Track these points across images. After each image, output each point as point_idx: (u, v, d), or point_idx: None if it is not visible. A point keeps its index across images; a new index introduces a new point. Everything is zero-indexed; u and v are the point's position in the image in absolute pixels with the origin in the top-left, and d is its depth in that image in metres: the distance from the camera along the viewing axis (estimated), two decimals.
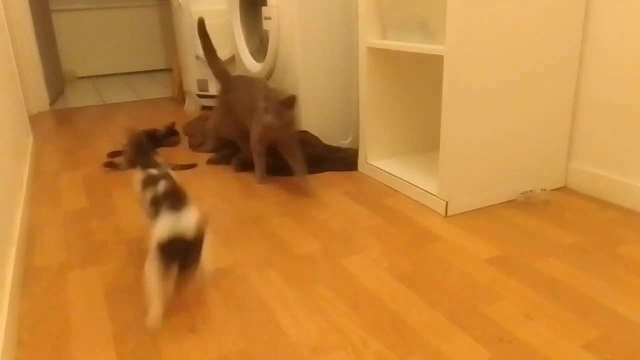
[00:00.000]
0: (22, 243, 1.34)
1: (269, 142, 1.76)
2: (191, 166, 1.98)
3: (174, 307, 1.08)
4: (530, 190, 1.57)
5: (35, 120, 2.85)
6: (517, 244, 1.31)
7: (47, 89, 3.13)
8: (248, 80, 1.94)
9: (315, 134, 2.00)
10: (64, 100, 3.44)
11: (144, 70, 4.59)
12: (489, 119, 1.45)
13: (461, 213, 1.49)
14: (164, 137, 2.28)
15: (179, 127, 2.41)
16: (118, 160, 2.02)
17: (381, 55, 1.72)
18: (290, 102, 1.61)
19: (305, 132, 2.00)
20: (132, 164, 1.99)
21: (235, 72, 2.76)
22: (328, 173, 1.88)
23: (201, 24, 2.04)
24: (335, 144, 2.05)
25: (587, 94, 1.57)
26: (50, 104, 3.18)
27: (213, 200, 1.66)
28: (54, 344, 0.98)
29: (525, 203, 1.56)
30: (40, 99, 3.09)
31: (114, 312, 1.07)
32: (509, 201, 1.57)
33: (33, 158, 2.11)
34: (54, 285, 1.19)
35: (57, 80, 3.60)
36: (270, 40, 2.09)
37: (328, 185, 1.76)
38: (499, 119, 1.47)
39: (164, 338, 0.98)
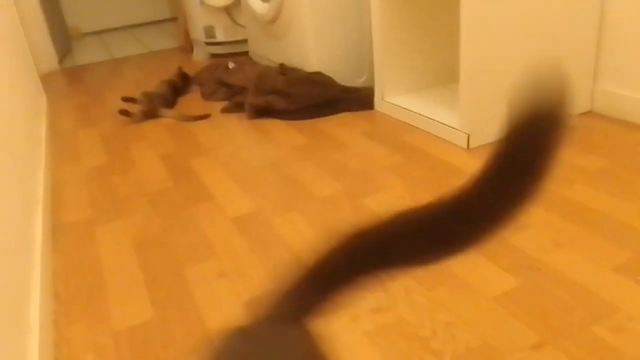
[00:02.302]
0: (47, 201, 1.36)
1: None
2: (205, 116, 1.97)
3: (202, 252, 1.09)
4: None
5: (46, 79, 2.83)
6: None
7: (55, 47, 3.09)
8: None
9: (329, 75, 1.95)
10: (72, 58, 3.40)
11: (149, 21, 4.48)
12: (509, 45, 1.39)
13: (484, 145, 1.46)
14: (183, 87, 2.26)
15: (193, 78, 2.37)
16: (133, 109, 2.01)
17: None
18: None
19: (319, 73, 1.95)
20: (147, 115, 2.00)
21: (241, 16, 2.67)
22: (344, 114, 1.85)
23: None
24: (349, 84, 2.00)
25: (612, 13, 1.48)
26: (59, 63, 3.16)
27: (229, 148, 1.65)
28: (89, 295, 1.01)
29: None
30: (49, 58, 3.06)
31: (143, 262, 1.09)
32: None
33: (48, 117, 2.11)
34: (83, 240, 1.21)
35: (63, 38, 3.55)
36: None
37: (345, 126, 1.73)
38: (521, 44, 1.40)
39: (195, 283, 1.00)
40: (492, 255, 0.98)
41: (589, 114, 1.60)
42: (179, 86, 2.25)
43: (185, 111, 2.00)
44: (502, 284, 0.90)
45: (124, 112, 1.99)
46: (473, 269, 0.95)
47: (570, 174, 1.25)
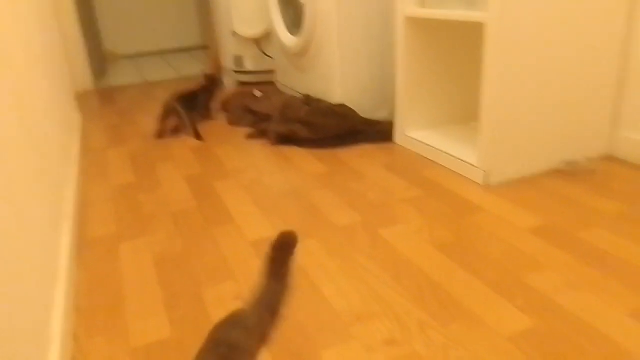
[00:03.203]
0: (75, 216, 1.41)
1: None
2: (198, 138, 2.08)
3: (221, 274, 1.12)
4: (574, 159, 1.53)
5: (81, 98, 2.95)
6: (560, 213, 1.28)
7: (91, 68, 3.23)
8: None
9: (352, 107, 1.99)
10: (107, 79, 3.54)
11: (181, 47, 4.65)
12: (530, 85, 1.41)
13: (501, 183, 1.47)
14: (204, 92, 2.32)
15: (217, 104, 2.45)
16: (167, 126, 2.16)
17: (419, 25, 1.69)
18: None
19: (343, 105, 2.00)
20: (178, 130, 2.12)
21: (270, 47, 2.76)
22: (365, 145, 1.88)
23: None
24: (371, 117, 2.04)
25: (634, 60, 1.50)
26: (94, 83, 3.28)
27: (252, 174, 1.70)
28: (109, 310, 1.04)
29: (568, 172, 1.52)
30: (85, 78, 3.19)
31: (163, 280, 1.12)
32: (551, 171, 1.53)
33: (82, 135, 2.19)
34: (106, 256, 1.25)
35: (99, 59, 3.70)
36: (306, 13, 2.08)
37: (365, 158, 1.76)
38: (541, 86, 1.43)
39: (212, 304, 1.03)
40: (508, 294, 0.99)
41: (610, 158, 1.60)
42: (203, 91, 2.31)
43: (203, 133, 2.08)
44: (517, 323, 0.91)
45: (161, 134, 2.14)
46: (489, 308, 0.95)
47: (588, 217, 1.26)
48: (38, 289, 0.87)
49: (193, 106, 2.19)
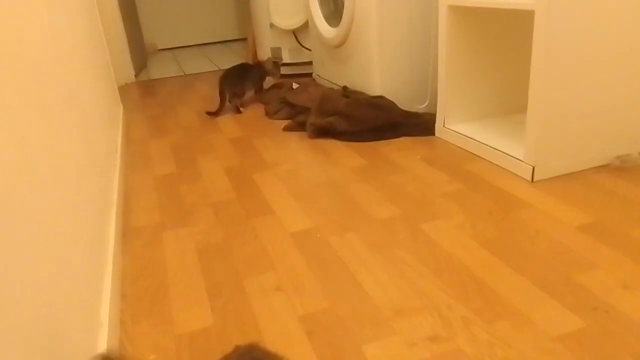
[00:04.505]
0: (120, 204, 1.45)
1: None
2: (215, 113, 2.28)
3: (261, 264, 1.13)
4: (627, 154, 1.46)
5: (122, 91, 3.02)
6: (611, 210, 1.23)
7: (132, 61, 3.30)
8: None
9: (392, 99, 1.97)
10: (147, 72, 3.61)
11: (220, 40, 4.70)
12: (581, 77, 1.35)
13: (549, 178, 1.42)
14: (259, 68, 2.47)
15: (252, 96, 2.47)
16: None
17: (462, 13, 1.64)
18: None
19: (382, 97, 1.98)
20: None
21: (308, 39, 2.75)
22: (404, 138, 1.85)
23: None
24: (411, 109, 2.01)
25: None
26: (135, 76, 3.36)
27: (290, 166, 1.70)
28: (153, 297, 1.07)
29: (620, 168, 1.45)
30: (127, 71, 3.26)
31: (205, 269, 1.14)
32: (602, 166, 1.47)
33: (124, 126, 2.25)
34: (150, 244, 1.28)
35: (140, 52, 3.78)
36: (345, 3, 2.06)
37: (404, 150, 1.74)
38: (592, 77, 1.37)
39: (253, 294, 1.04)
40: (556, 293, 0.95)
41: None
42: (259, 67, 2.46)
43: (245, 123, 2.10)
44: (566, 323, 0.87)
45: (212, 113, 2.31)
46: (536, 306, 0.92)
47: None
48: (89, 275, 0.90)
49: (245, 77, 2.37)
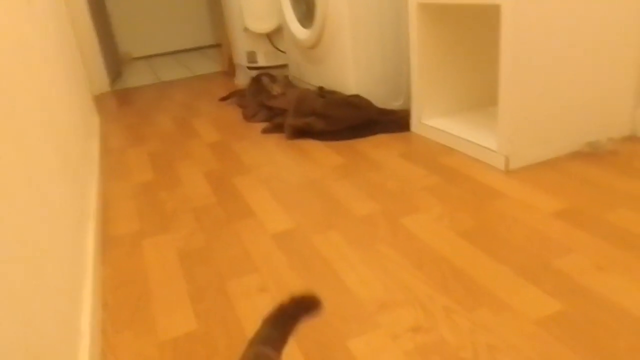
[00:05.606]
0: (99, 214, 1.43)
1: None
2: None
3: (244, 267, 1.13)
4: (596, 140, 1.50)
5: (98, 100, 2.99)
6: (584, 196, 1.26)
7: (107, 70, 3.26)
8: None
9: (367, 98, 1.98)
10: (123, 81, 3.57)
11: (194, 47, 4.68)
12: (549, 67, 1.39)
13: (523, 167, 1.45)
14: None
15: (233, 100, 2.46)
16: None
17: (431, 11, 1.67)
18: None
19: (357, 96, 1.99)
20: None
21: (282, 42, 2.76)
22: (381, 135, 1.87)
23: None
24: (386, 106, 2.02)
25: None
26: (110, 85, 3.32)
27: (270, 167, 1.70)
28: (135, 305, 1.06)
29: (591, 154, 1.49)
30: (101, 80, 3.23)
31: (188, 275, 1.14)
32: (573, 153, 1.51)
33: (101, 136, 2.22)
34: (131, 252, 1.27)
35: (114, 61, 3.74)
36: (317, 4, 2.07)
37: (381, 147, 1.75)
38: (560, 66, 1.40)
39: (237, 297, 1.03)
40: (534, 278, 0.97)
41: (632, 138, 1.56)
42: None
43: (223, 128, 2.08)
44: (545, 307, 0.89)
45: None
46: (515, 292, 0.94)
47: (613, 198, 1.23)
48: (67, 286, 0.89)
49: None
